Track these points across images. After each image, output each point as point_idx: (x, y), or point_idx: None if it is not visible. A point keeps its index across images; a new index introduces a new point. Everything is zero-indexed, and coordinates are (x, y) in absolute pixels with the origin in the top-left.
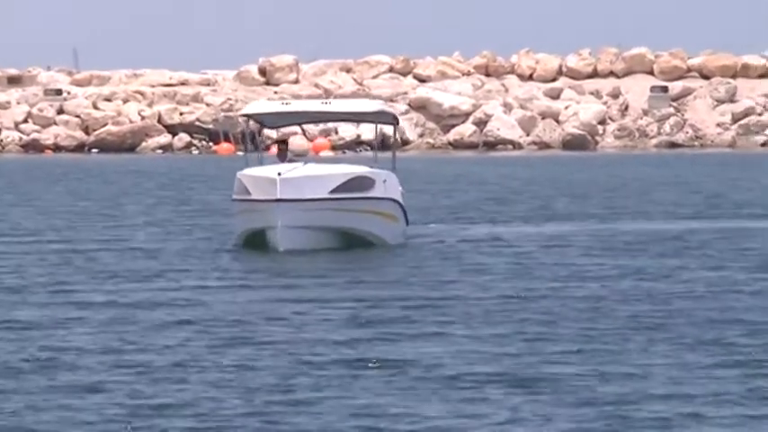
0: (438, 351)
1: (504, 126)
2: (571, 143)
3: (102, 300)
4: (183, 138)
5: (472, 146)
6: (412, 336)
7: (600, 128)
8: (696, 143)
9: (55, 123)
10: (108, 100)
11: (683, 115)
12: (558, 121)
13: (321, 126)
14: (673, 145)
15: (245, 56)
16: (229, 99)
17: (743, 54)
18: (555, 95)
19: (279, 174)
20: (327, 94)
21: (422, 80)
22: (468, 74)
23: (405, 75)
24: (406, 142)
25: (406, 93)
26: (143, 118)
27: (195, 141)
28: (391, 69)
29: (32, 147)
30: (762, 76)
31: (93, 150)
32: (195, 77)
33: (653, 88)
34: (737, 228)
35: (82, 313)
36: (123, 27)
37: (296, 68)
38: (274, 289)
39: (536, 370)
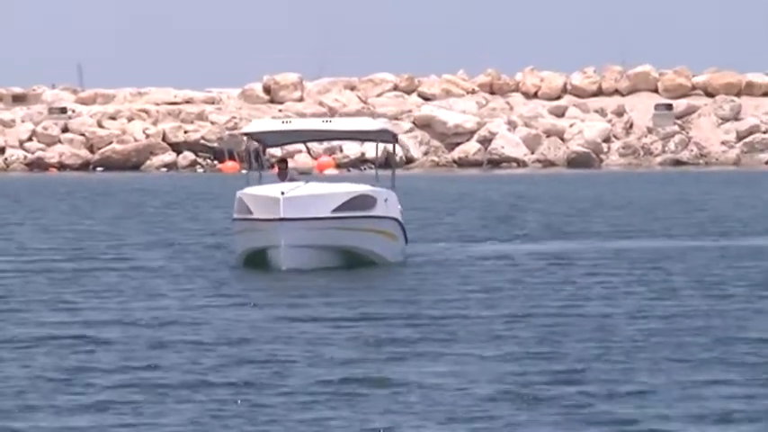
0: (443, 370)
1: (509, 144)
2: (576, 161)
3: (105, 318)
4: (188, 156)
5: (477, 164)
6: (417, 354)
7: (604, 146)
8: (701, 161)
9: (60, 142)
10: (113, 118)
11: (687, 133)
12: (562, 139)
13: (326, 144)
14: (677, 163)
15: (250, 74)
16: (234, 117)
17: (747, 72)
18: (559, 113)
19: (282, 193)
20: (332, 112)
21: (426, 98)
22: (473, 92)
23: (409, 93)
24: (410, 160)
25: (410, 111)
26: (147, 136)
27: (200, 160)
28: (396, 87)
29: (37, 165)
30: (766, 94)
31: (98, 169)
32: (200, 96)
33: (657, 106)
34: (741, 245)
35: (86, 332)
36: (128, 45)
37: (300, 86)
38: (279, 308)
39: (541, 389)
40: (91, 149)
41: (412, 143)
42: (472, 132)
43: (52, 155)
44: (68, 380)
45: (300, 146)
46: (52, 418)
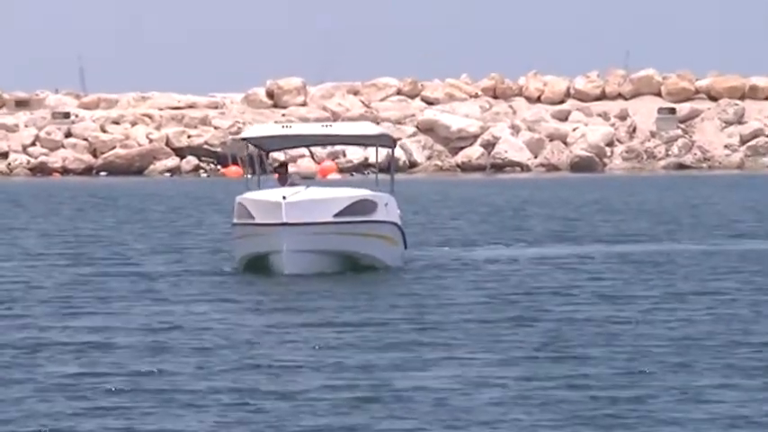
0: (448, 375)
1: (512, 148)
2: (579, 165)
3: (107, 324)
4: (191, 161)
5: (480, 168)
6: (423, 359)
7: (608, 150)
8: (704, 165)
9: (63, 146)
10: (116, 123)
11: (690, 137)
12: (565, 143)
13: (329, 149)
14: (681, 166)
15: (253, 78)
16: (237, 122)
17: (751, 75)
18: (563, 117)
19: (284, 197)
20: (335, 116)
21: (429, 102)
22: (476, 96)
23: (412, 97)
24: (413, 164)
25: (413, 115)
26: (151, 141)
27: (203, 164)
28: (399, 92)
29: (40, 170)
30: None
31: (102, 173)
32: (203, 100)
33: (661, 110)
34: (755, 249)
35: (90, 338)
36: (131, 50)
37: (303, 91)
38: (282, 313)
39: (547, 393)
40: (94, 154)
41: (415, 147)
42: (475, 136)
43: (55, 159)
44: (73, 385)
45: (304, 150)
46: (55, 423)
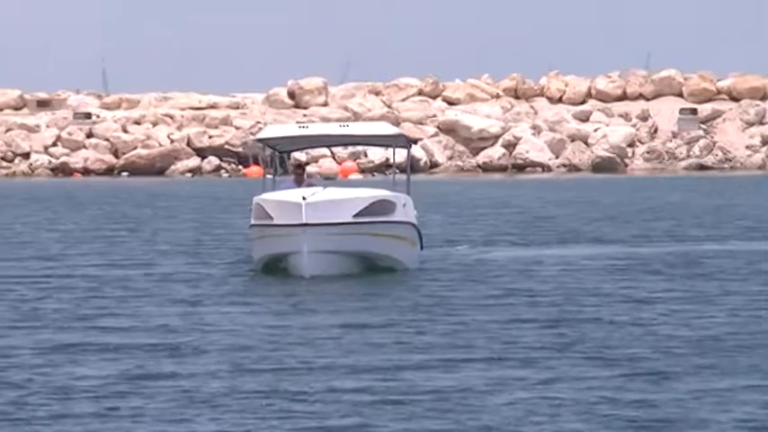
0: (473, 376)
1: (534, 149)
2: (600, 166)
3: (131, 325)
4: (213, 161)
5: (501, 168)
6: (446, 361)
7: (629, 150)
8: (725, 165)
9: (84, 147)
10: (137, 123)
11: (712, 137)
12: (587, 144)
13: (350, 149)
14: (702, 167)
15: (275, 79)
16: (258, 122)
17: None
18: (584, 118)
19: (303, 198)
20: (356, 117)
21: (451, 103)
22: (497, 96)
23: (434, 97)
24: (434, 165)
25: (434, 116)
26: (172, 141)
27: (224, 165)
28: (420, 92)
29: (62, 170)
30: None
31: (123, 174)
32: (224, 101)
33: (682, 110)
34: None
35: (111, 338)
36: (152, 50)
37: (325, 91)
38: (306, 314)
39: (572, 395)
40: (116, 154)
41: (436, 148)
42: (497, 137)
43: (77, 160)
44: (94, 387)
45: (325, 150)
46: (74, 425)
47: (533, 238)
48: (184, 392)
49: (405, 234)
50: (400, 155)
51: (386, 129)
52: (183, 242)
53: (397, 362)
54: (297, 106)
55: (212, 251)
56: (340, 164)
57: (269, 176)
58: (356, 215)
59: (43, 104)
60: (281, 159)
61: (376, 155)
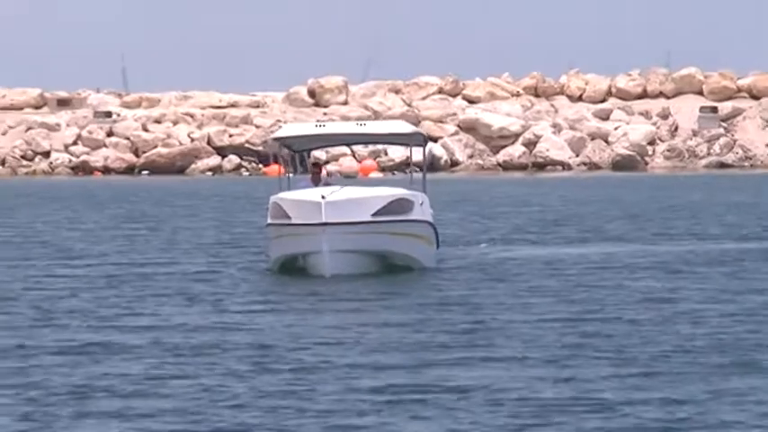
0: (493, 375)
1: (554, 147)
2: (620, 164)
3: (151, 324)
4: (233, 160)
5: (521, 167)
6: (467, 360)
7: (649, 148)
8: (746, 163)
9: (105, 145)
10: (157, 122)
11: (732, 136)
12: (607, 142)
13: (371, 147)
14: (722, 165)
15: (295, 77)
16: (279, 121)
17: None
18: (604, 116)
19: (323, 197)
20: (376, 115)
21: (471, 101)
22: (518, 95)
23: (454, 96)
24: (455, 163)
25: (455, 114)
26: (192, 140)
27: (245, 163)
28: (440, 90)
29: (82, 169)
30: None
31: (143, 172)
32: (245, 99)
33: (702, 109)
34: None
35: (131, 338)
36: (173, 48)
37: (345, 90)
38: (327, 313)
39: (591, 395)
40: (136, 153)
41: (457, 146)
42: (517, 135)
43: (97, 159)
44: (112, 386)
45: (345, 149)
46: (94, 424)
47: (553, 236)
48: (205, 391)
49: (422, 233)
50: (418, 153)
51: (402, 127)
52: (203, 241)
53: (418, 361)
54: (317, 105)
55: (232, 250)
56: (360, 162)
57: (287, 175)
58: (375, 214)
59: (64, 103)
60: (302, 158)
61: (396, 153)
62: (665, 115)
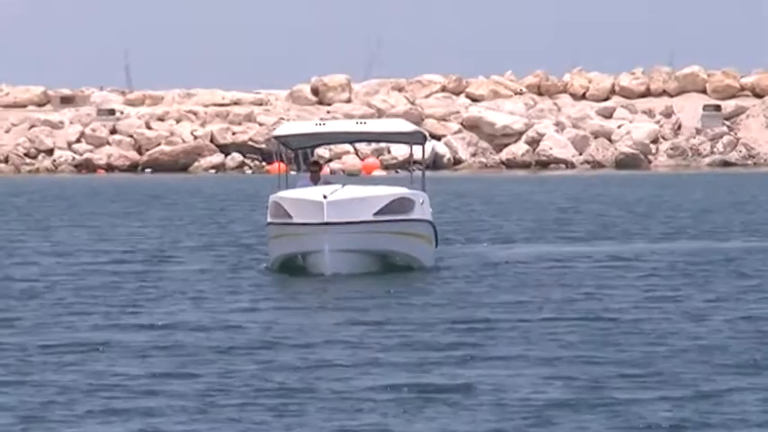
0: (495, 374)
1: (557, 145)
2: (624, 162)
3: (154, 322)
4: (236, 157)
5: (525, 165)
6: (470, 358)
7: (653, 147)
8: (749, 162)
9: (108, 143)
10: (161, 120)
11: (735, 134)
12: (610, 141)
13: (374, 145)
14: (726, 164)
15: (298, 75)
16: (282, 118)
17: None
18: (607, 114)
19: (324, 196)
20: (380, 113)
21: (474, 99)
22: (521, 93)
23: (457, 94)
24: (458, 161)
25: (458, 112)
26: (196, 138)
27: (248, 161)
28: (444, 89)
29: (85, 167)
30: None
31: (146, 170)
32: (248, 97)
33: (706, 107)
34: None
35: (136, 336)
36: (176, 46)
37: (348, 88)
38: (327, 312)
39: (598, 393)
40: (139, 151)
41: (460, 144)
42: (520, 133)
43: (100, 156)
44: (117, 385)
45: (348, 147)
46: (90, 424)
47: (555, 234)
48: (206, 390)
49: (423, 232)
50: (418, 152)
51: (402, 126)
52: (206, 239)
53: (420, 360)
54: (320, 103)
55: (235, 248)
56: (363, 160)
57: (288, 173)
58: (376, 213)
59: (67, 101)
60: (305, 156)
61: (399, 151)
62: (668, 114)
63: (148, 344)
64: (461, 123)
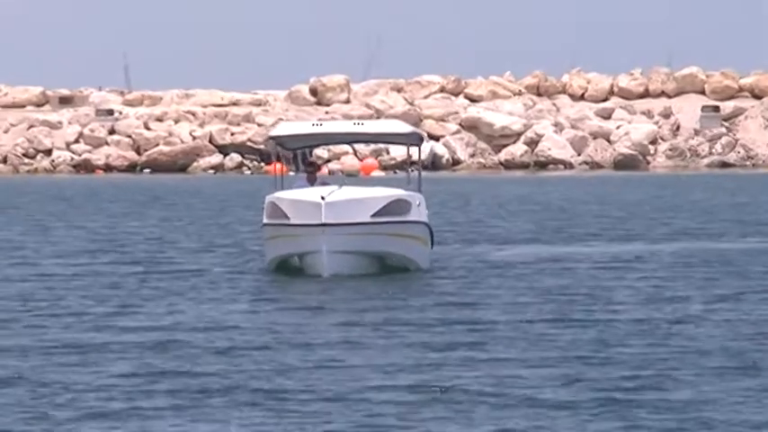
0: (495, 375)
1: (556, 146)
2: (622, 163)
3: (153, 323)
4: (235, 158)
5: (523, 166)
6: (469, 359)
7: (651, 148)
8: (748, 163)
9: (106, 143)
10: (159, 120)
11: (734, 135)
12: (609, 141)
13: (372, 146)
14: (724, 165)
15: (297, 75)
16: (281, 119)
17: None
18: (606, 115)
19: (322, 197)
20: (378, 114)
21: (473, 100)
22: (520, 94)
23: (456, 95)
24: (456, 162)
25: (457, 112)
26: (194, 138)
27: (246, 162)
28: (442, 89)
29: (84, 167)
30: None
31: (145, 171)
32: (246, 97)
33: (704, 108)
34: None
35: (134, 338)
36: (175, 47)
37: (347, 88)
38: (328, 313)
39: (595, 395)
40: (138, 151)
41: (459, 145)
42: (519, 134)
43: (99, 157)
44: (117, 386)
45: (347, 147)
46: (89, 424)
47: (554, 235)
48: (205, 390)
49: (419, 234)
50: (416, 153)
51: (399, 126)
52: (204, 240)
53: (420, 361)
54: (319, 103)
55: (235, 249)
56: (362, 161)
57: (283, 174)
58: (374, 215)
59: (65, 101)
60: (304, 156)
61: (398, 152)
62: (666, 114)
63: (147, 344)
64: (460, 124)
